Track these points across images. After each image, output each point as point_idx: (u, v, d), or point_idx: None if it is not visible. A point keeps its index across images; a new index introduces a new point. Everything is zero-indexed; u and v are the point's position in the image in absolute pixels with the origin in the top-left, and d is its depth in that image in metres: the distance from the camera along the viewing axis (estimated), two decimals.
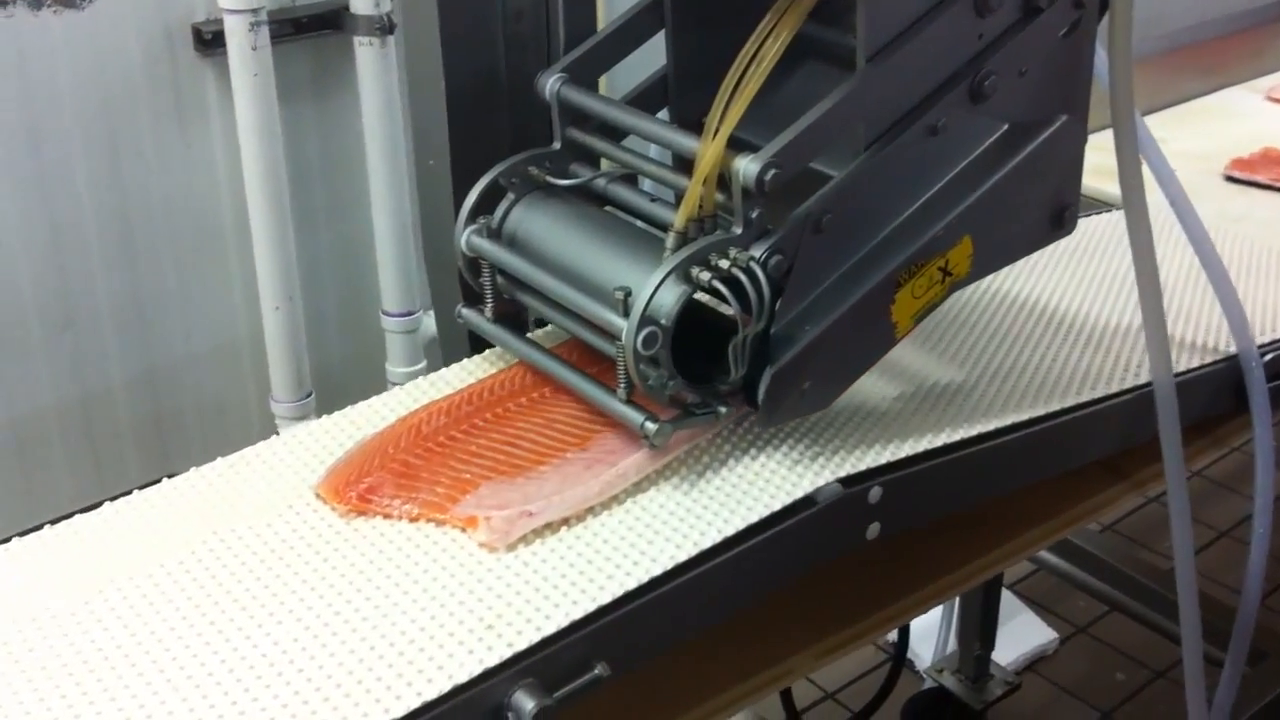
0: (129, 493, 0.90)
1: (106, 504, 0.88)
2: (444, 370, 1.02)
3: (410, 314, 1.70)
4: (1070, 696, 1.87)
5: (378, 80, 1.56)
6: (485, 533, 0.83)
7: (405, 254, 1.66)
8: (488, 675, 0.74)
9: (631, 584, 0.80)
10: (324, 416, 0.97)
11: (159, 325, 1.56)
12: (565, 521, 0.85)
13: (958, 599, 1.71)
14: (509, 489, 0.86)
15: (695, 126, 1.01)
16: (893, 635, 1.80)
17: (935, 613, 1.79)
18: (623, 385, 0.88)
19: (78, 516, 0.87)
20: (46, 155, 1.41)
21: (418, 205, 1.58)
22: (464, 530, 0.84)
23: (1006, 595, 1.82)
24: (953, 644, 1.80)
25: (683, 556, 0.82)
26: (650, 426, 0.87)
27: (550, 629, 0.76)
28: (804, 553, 0.87)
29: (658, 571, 0.81)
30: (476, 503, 0.85)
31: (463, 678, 0.73)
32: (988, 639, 1.70)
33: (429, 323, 1.72)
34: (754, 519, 0.85)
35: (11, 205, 1.40)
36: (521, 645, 0.75)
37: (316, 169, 1.62)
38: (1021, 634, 1.93)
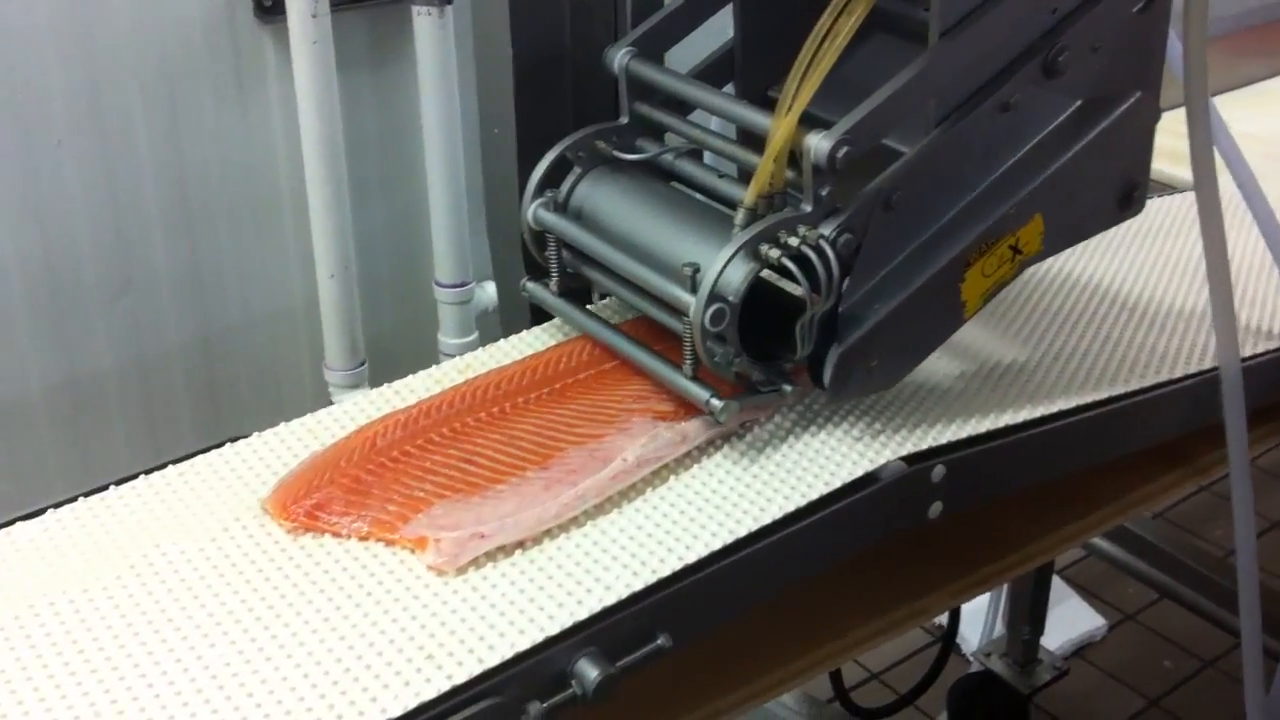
0: (186, 458, 0.90)
1: (50, 511, 0.85)
2: (500, 341, 1.02)
3: (464, 285, 1.70)
4: (1117, 683, 1.86)
5: (435, 50, 1.56)
6: (434, 555, 0.79)
7: (459, 225, 1.66)
8: (423, 709, 0.70)
9: (638, 586, 0.77)
10: (375, 388, 0.96)
11: (215, 291, 1.57)
12: (520, 544, 0.81)
13: (1007, 583, 1.70)
14: (463, 509, 0.82)
15: (761, 100, 1.01)
16: (941, 619, 1.80)
17: (983, 596, 1.79)
18: (688, 361, 0.88)
19: (17, 524, 0.84)
20: (108, 121, 1.42)
21: (478, 176, 1.59)
22: (414, 551, 0.80)
23: (1055, 581, 1.81)
24: (1000, 628, 1.79)
25: (742, 531, 0.82)
26: (716, 403, 0.86)
27: (493, 660, 0.72)
28: (865, 530, 0.87)
29: (717, 546, 0.80)
30: (428, 522, 0.81)
31: (396, 711, 0.69)
32: (1037, 624, 1.69)
33: (482, 294, 1.72)
34: (815, 495, 0.84)
35: (73, 169, 1.41)
36: (461, 677, 0.71)
37: (373, 138, 1.62)
38: (1069, 620, 1.92)
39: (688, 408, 0.90)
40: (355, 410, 0.94)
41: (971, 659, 1.78)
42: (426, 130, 1.61)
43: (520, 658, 0.73)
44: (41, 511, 0.86)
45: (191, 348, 1.57)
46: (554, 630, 0.74)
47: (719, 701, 0.88)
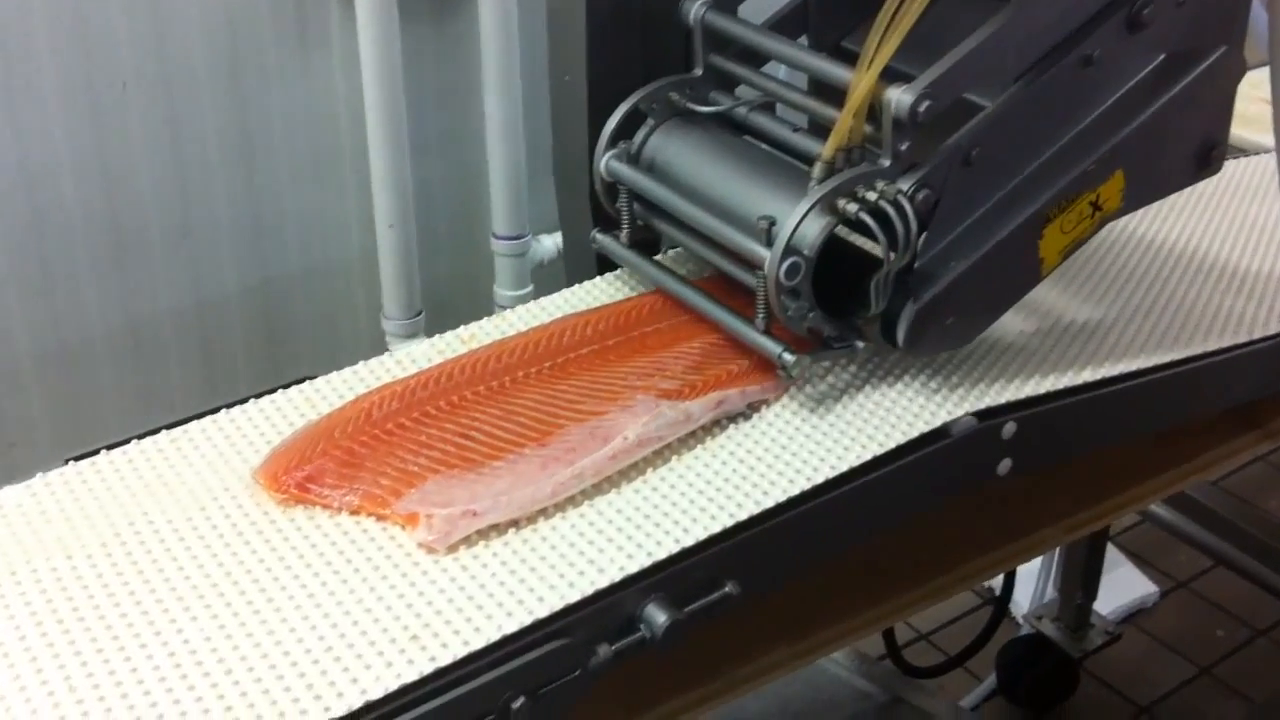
0: (241, 401, 0.89)
1: (38, 476, 0.83)
2: (565, 290, 1.01)
3: (520, 238, 1.71)
4: (1169, 650, 1.85)
5: (497, 3, 1.55)
6: (425, 532, 0.76)
7: (517, 178, 1.66)
8: (405, 690, 0.68)
9: (715, 529, 0.76)
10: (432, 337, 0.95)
11: (274, 238, 1.58)
12: (515, 523, 0.78)
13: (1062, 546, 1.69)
14: (457, 485, 0.79)
15: (834, 52, 1.00)
16: (991, 581, 1.80)
17: (1034, 559, 1.78)
18: (761, 315, 0.88)
19: (4, 489, 0.82)
20: (172, 69, 1.43)
21: (536, 129, 1.59)
22: (405, 528, 0.78)
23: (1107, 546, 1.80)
24: (1050, 592, 1.79)
25: (820, 478, 0.82)
26: (788, 358, 0.86)
27: (478, 643, 0.70)
28: (934, 485, 0.87)
29: (783, 498, 0.80)
30: (421, 498, 0.78)
31: (376, 693, 0.68)
32: (1090, 588, 1.69)
33: (537, 247, 1.73)
34: (887, 447, 0.84)
35: (138, 115, 1.42)
36: (445, 659, 0.69)
37: (433, 90, 1.62)
38: (1121, 585, 1.91)
39: (693, 386, 0.88)
40: (407, 360, 0.93)
41: (1022, 622, 1.78)
42: (486, 83, 1.60)
43: (522, 633, 0.71)
44: (93, 451, 0.85)
45: (250, 294, 1.58)
46: (543, 613, 0.72)
47: (772, 655, 0.88)
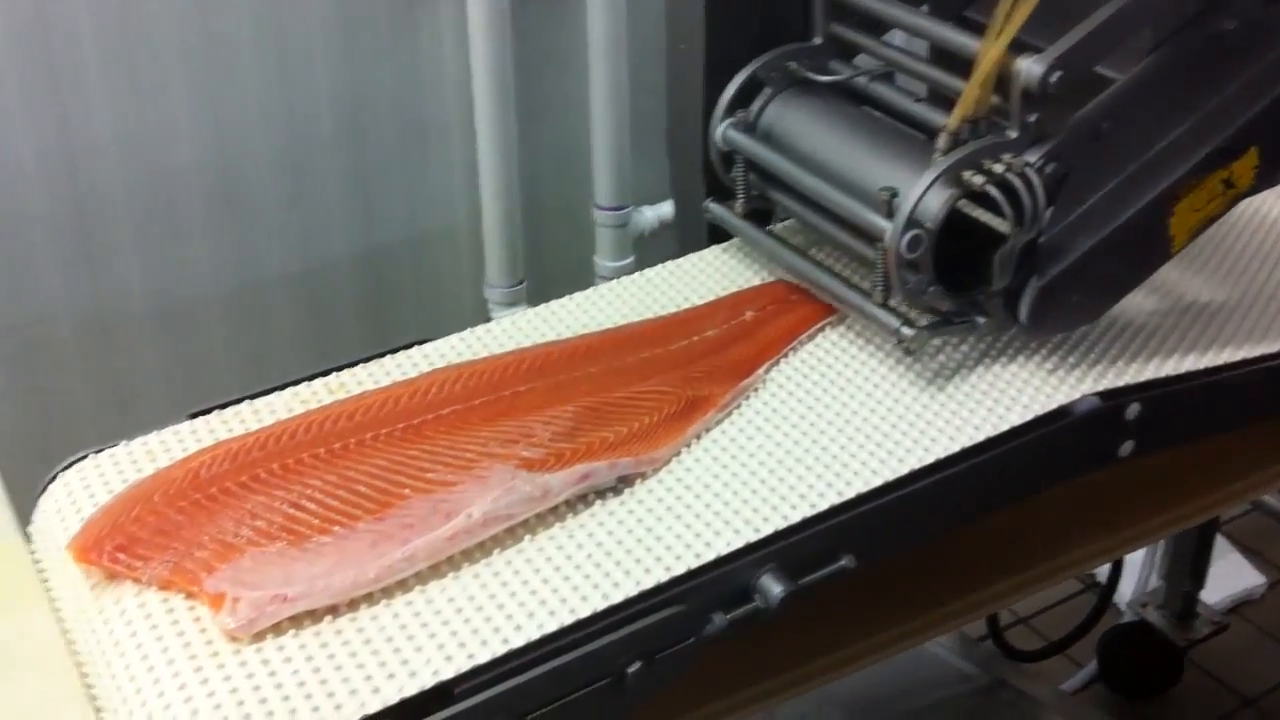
0: (349, 365, 0.89)
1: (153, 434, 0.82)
2: (680, 259, 1.01)
3: (622, 209, 1.70)
4: (1275, 642, 1.80)
5: None
6: (228, 618, 0.68)
7: (621, 149, 1.66)
8: None
9: (823, 506, 0.75)
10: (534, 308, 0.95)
11: (382, 205, 1.59)
12: (333, 610, 0.70)
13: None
14: (275, 563, 0.71)
15: (957, 22, 0.98)
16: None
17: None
18: (880, 288, 0.87)
19: None
20: (289, 41, 1.44)
21: (641, 100, 1.58)
22: (212, 610, 0.70)
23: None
24: (1155, 580, 1.75)
25: (933, 457, 0.80)
26: (906, 332, 0.85)
27: None
28: (1055, 465, 0.85)
29: (904, 471, 0.79)
30: (234, 576, 0.70)
31: None
32: (1198, 576, 1.65)
33: (639, 218, 1.72)
34: (1008, 425, 0.83)
35: (251, 80, 1.44)
36: None
37: (540, 60, 1.62)
38: (1228, 574, 1.86)
39: (559, 455, 0.78)
40: (513, 329, 0.93)
41: (1125, 609, 1.75)
42: (593, 52, 1.60)
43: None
44: (218, 406, 0.85)
45: (358, 259, 1.60)
46: None
47: (877, 637, 0.87)
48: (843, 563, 0.77)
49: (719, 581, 0.74)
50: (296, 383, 0.88)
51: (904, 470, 0.79)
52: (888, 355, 0.89)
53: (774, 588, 0.74)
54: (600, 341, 0.90)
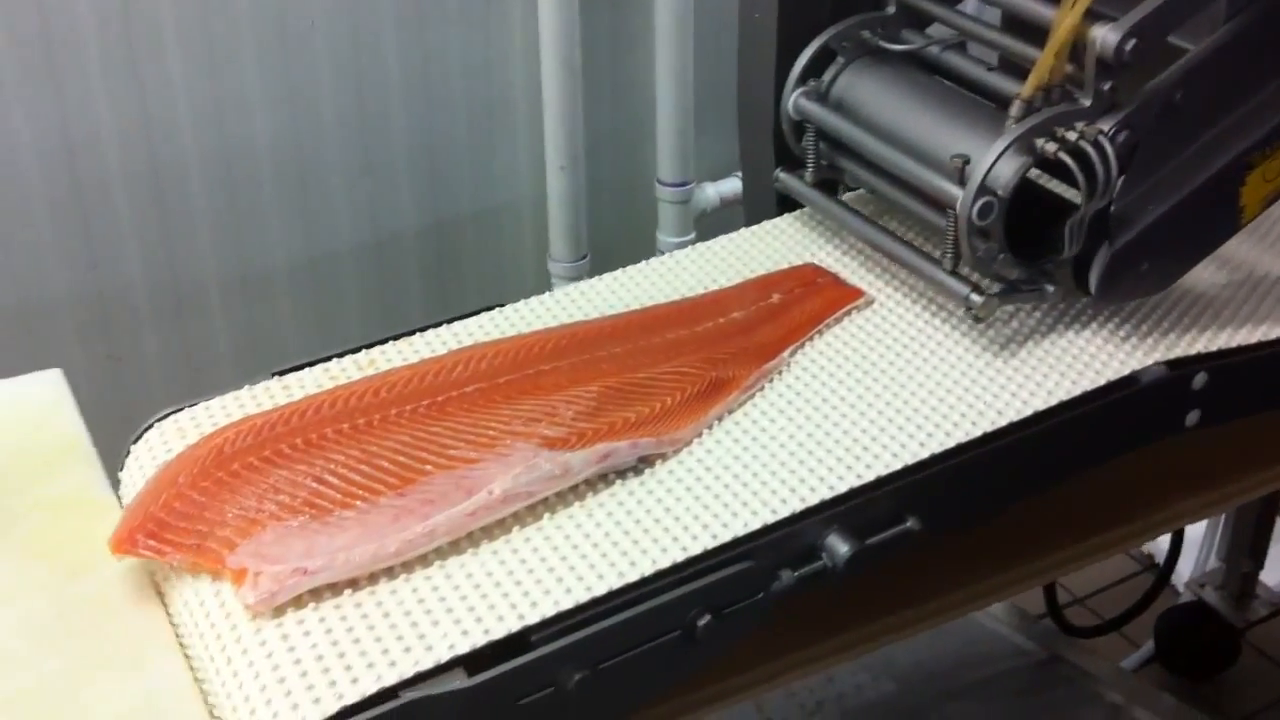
0: (411, 333, 0.90)
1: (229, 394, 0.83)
2: (744, 230, 1.02)
3: (685, 185, 1.72)
4: None
5: None
6: (249, 592, 0.68)
7: (685, 125, 1.67)
8: None
9: (897, 466, 0.76)
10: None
11: (449, 178, 1.61)
12: (353, 583, 0.70)
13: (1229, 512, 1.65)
14: (297, 537, 0.71)
15: None
16: (1149, 546, 1.77)
17: (1197, 527, 1.74)
18: (949, 255, 0.87)
19: None
20: (361, 15, 1.46)
21: (706, 76, 1.59)
22: (234, 586, 0.70)
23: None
24: (1213, 560, 1.75)
25: (1003, 422, 0.81)
26: (976, 299, 0.86)
27: None
28: (1122, 433, 0.86)
29: (977, 434, 0.80)
30: (255, 550, 0.70)
31: None
32: (1259, 556, 1.64)
33: (701, 195, 1.73)
34: (1076, 392, 0.83)
35: (324, 54, 1.46)
36: None
37: (606, 36, 1.63)
38: None
39: (581, 435, 0.78)
40: (578, 295, 0.94)
41: (1182, 589, 1.74)
42: (659, 29, 1.61)
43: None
44: (298, 366, 0.86)
45: (425, 231, 1.62)
46: (353, 699, 0.64)
47: (932, 603, 0.88)
48: (908, 524, 0.78)
49: (789, 539, 0.75)
50: (365, 347, 0.89)
51: (976, 434, 0.80)
52: (919, 332, 0.89)
53: (841, 547, 0.76)
54: (626, 322, 0.90)
